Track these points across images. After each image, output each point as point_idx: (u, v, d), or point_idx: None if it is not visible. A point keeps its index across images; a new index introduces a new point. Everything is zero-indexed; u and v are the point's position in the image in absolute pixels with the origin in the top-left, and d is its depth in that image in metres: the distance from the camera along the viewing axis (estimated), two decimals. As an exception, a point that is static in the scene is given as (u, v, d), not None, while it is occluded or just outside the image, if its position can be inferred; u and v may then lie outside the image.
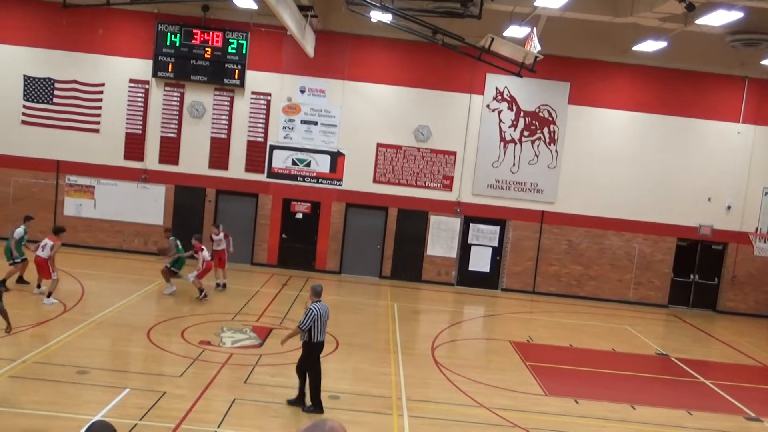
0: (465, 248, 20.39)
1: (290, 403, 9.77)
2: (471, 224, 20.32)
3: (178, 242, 15.93)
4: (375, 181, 20.03)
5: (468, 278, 20.42)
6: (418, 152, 20.00)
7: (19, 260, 14.75)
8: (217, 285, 16.72)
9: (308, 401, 9.73)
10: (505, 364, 13.18)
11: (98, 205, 19.86)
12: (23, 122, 19.71)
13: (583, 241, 20.33)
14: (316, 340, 9.65)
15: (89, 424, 4.23)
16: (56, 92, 19.67)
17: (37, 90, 19.68)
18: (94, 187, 19.91)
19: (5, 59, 19.59)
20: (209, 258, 15.83)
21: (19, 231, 14.76)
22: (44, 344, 11.41)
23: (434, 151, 20.01)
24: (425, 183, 20.08)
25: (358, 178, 20.00)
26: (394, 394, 10.75)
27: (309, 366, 9.74)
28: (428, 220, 20.20)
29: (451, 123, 19.98)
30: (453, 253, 20.32)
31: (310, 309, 9.61)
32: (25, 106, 19.68)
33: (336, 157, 19.97)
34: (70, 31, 19.47)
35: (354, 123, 19.87)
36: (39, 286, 14.53)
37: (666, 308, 20.44)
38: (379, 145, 19.95)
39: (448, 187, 20.11)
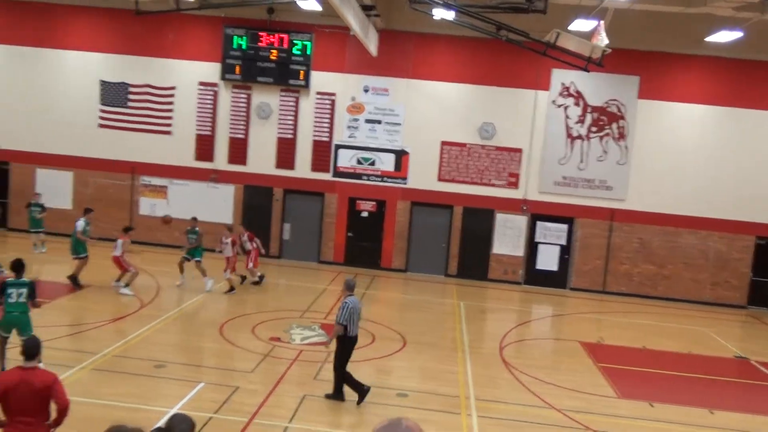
0: (532, 246, 20.09)
1: (358, 403, 9.80)
2: (538, 222, 20.00)
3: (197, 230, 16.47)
4: (440, 179, 19.96)
5: (535, 277, 20.11)
6: (483, 150, 19.83)
7: (83, 255, 15.10)
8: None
9: (352, 391, 9.82)
10: (576, 365, 12.92)
11: (171, 205, 20.47)
12: (100, 125, 20.52)
13: (655, 239, 19.73)
14: (351, 334, 9.72)
15: (170, 415, 4.38)
16: (130, 96, 20.39)
17: (113, 94, 20.45)
18: (166, 187, 20.56)
19: (83, 65, 20.43)
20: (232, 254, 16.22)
21: (80, 223, 15.24)
22: (123, 338, 11.85)
23: (499, 148, 19.80)
24: (490, 181, 19.88)
25: (422, 176, 19.98)
26: (462, 394, 10.69)
27: (343, 360, 9.80)
28: (494, 218, 20.00)
29: (516, 120, 19.72)
30: (520, 252, 20.05)
31: (346, 303, 9.72)
32: (101, 110, 20.48)
33: (400, 156, 20.00)
34: (143, 37, 20.15)
35: (418, 121, 19.86)
36: (118, 280, 15.10)
37: (745, 309, 19.62)
38: (443, 143, 19.87)
39: (514, 185, 19.86)
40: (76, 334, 12.02)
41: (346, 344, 9.78)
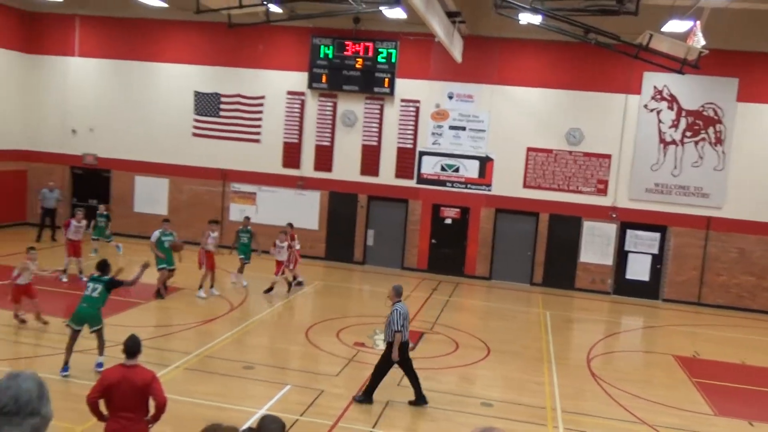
0: (621, 255, 19.46)
1: (411, 403, 9.83)
2: (628, 230, 19.35)
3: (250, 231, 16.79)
4: (525, 185, 19.66)
5: (625, 287, 19.45)
6: (570, 156, 19.39)
7: (161, 266, 14.77)
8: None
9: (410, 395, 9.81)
10: (669, 379, 12.40)
11: (260, 211, 21.08)
12: (194, 134, 21.40)
13: (756, 249, 18.70)
14: (403, 339, 9.71)
15: (260, 416, 4.50)
16: (222, 106, 21.17)
17: (206, 104, 21.29)
18: (255, 193, 21.19)
19: (179, 77, 21.37)
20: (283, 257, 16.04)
21: (155, 234, 15.10)
22: (213, 340, 12.27)
23: (587, 154, 19.31)
24: (578, 187, 19.41)
25: (507, 183, 19.74)
26: (549, 405, 10.47)
27: (387, 364, 9.74)
28: (581, 226, 19.50)
29: (605, 125, 19.19)
30: (609, 261, 19.46)
31: (396, 310, 9.74)
32: (195, 120, 21.36)
33: (485, 162, 19.84)
34: (235, 49, 20.88)
35: (503, 127, 19.65)
36: (212, 286, 15.54)
37: None
38: (529, 150, 19.57)
39: (603, 192, 19.31)
40: (169, 335, 12.53)
41: (400, 349, 9.75)
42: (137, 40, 21.55)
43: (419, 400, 9.87)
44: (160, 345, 11.69)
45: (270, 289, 16.05)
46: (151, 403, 6.46)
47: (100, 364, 9.94)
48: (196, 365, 10.91)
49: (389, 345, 9.75)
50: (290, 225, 17.24)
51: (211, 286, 15.45)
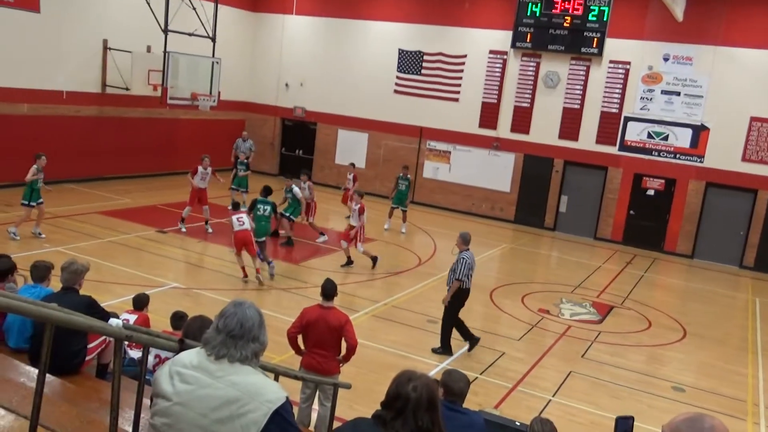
0: None
1: (469, 350, 10.00)
2: None
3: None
4: (744, 159, 17.81)
5: None
6: (803, 128, 17.19)
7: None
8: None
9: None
10: None
11: (452, 170, 21.28)
12: (395, 92, 21.96)
13: None
14: (465, 287, 9.68)
15: (446, 370, 4.61)
16: (424, 64, 21.44)
17: (409, 62, 21.69)
18: (450, 152, 21.38)
19: (385, 35, 21.94)
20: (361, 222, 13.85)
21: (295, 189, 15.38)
22: (401, 291, 12.74)
23: (825, 127, 17.00)
24: (809, 164, 17.22)
25: (723, 155, 18.01)
26: (750, 399, 9.61)
27: (453, 312, 9.79)
28: (809, 208, 17.34)
29: None
30: (839, 249, 17.17)
31: (462, 257, 9.63)
32: (397, 77, 21.88)
33: (698, 132, 18.24)
34: (440, 7, 20.96)
35: (724, 94, 17.85)
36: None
37: None
38: (752, 119, 17.64)
39: (840, 171, 16.95)
40: (361, 282, 13.20)
41: (461, 297, 9.74)
42: (348, -2, 22.41)
43: (445, 349, 9.90)
44: (352, 291, 12.38)
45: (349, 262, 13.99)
46: (343, 344, 6.91)
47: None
48: (383, 313, 11.42)
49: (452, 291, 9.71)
50: (352, 164, 18.43)
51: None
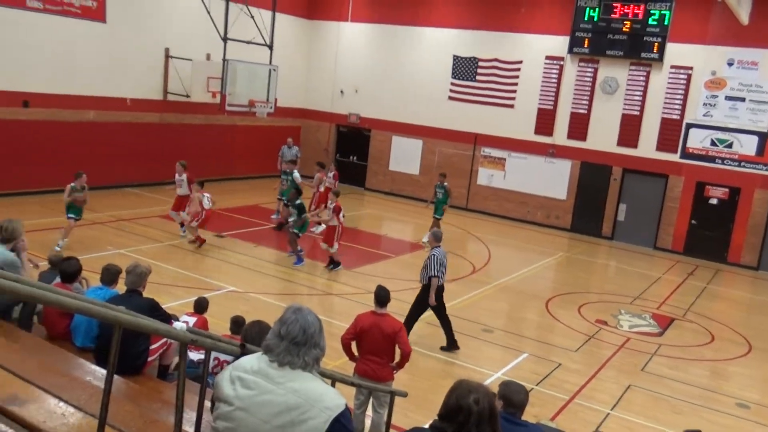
0: None
1: (443, 349, 10.02)
2: None
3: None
4: (814, 167, 17.11)
5: None
6: None
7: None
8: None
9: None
10: None
11: (507, 177, 21.06)
12: (449, 98, 21.89)
13: None
14: (439, 282, 9.70)
15: (505, 382, 4.55)
16: (479, 70, 21.31)
17: (463, 68, 21.60)
18: (505, 159, 21.17)
19: (439, 41, 21.91)
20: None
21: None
22: (455, 299, 12.64)
23: None
24: None
25: (791, 163, 17.33)
26: (822, 419, 9.18)
27: (421, 306, 9.91)
28: None
29: None
30: None
31: (433, 254, 9.77)
32: (452, 83, 21.81)
33: (765, 138, 17.58)
34: (495, 13, 20.81)
35: (793, 99, 17.18)
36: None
37: None
38: (823, 126, 16.93)
39: None
40: (413, 289, 13.13)
41: (435, 294, 9.74)
42: (404, 5, 22.43)
43: (450, 345, 10.00)
44: (405, 298, 12.33)
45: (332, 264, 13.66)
46: (397, 351, 6.90)
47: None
48: (437, 321, 11.33)
49: (424, 288, 9.83)
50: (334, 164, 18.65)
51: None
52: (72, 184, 12.74)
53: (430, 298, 9.81)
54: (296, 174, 16.19)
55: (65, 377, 4.15)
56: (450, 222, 17.62)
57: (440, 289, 9.87)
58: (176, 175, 14.62)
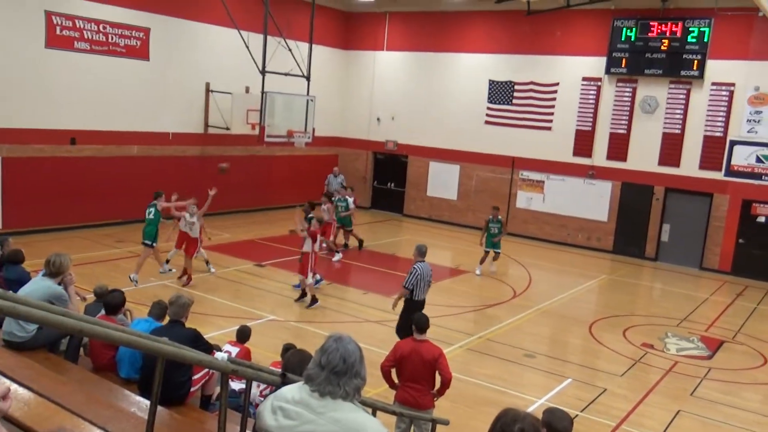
0: None
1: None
2: None
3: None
4: None
5: None
6: None
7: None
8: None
9: None
10: None
11: (546, 199, 20.87)
12: (486, 122, 21.88)
13: None
14: (417, 298, 9.69)
15: (549, 409, 4.48)
16: (515, 93, 21.28)
17: (499, 92, 21.60)
18: (543, 182, 21.00)
19: (475, 66, 21.98)
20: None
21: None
22: (497, 324, 12.53)
23: None
24: None
25: (842, 178, 16.79)
26: None
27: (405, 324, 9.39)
28: None
29: None
30: None
31: (414, 268, 9.70)
32: (488, 108, 21.81)
33: (813, 154, 17.12)
34: (530, 36, 20.81)
35: (841, 113, 16.70)
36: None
37: None
38: None
39: None
40: (454, 315, 13.08)
41: (411, 307, 9.47)
42: (438, 32, 22.61)
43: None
44: (446, 324, 12.27)
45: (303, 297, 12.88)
46: (437, 378, 6.85)
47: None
48: (478, 347, 11.24)
49: (405, 302, 9.84)
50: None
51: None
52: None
53: (393, 302, 10.28)
54: (350, 201, 17.53)
55: (110, 408, 4.23)
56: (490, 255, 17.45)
57: (418, 304, 9.61)
58: (187, 216, 13.49)
